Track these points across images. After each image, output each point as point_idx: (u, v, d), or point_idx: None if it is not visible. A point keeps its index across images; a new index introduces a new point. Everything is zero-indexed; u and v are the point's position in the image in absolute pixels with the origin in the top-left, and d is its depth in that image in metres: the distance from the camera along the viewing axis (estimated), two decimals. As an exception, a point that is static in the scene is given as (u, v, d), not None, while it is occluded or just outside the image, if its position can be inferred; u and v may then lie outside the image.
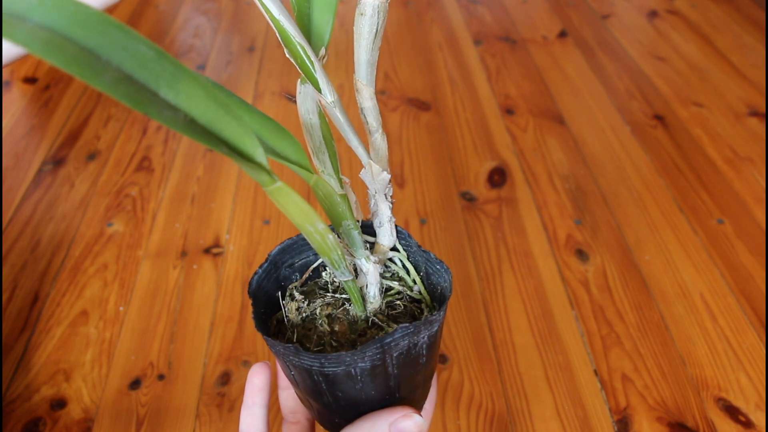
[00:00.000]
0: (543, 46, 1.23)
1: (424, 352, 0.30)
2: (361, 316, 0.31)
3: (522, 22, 1.30)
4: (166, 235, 0.81)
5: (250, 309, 0.32)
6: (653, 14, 1.34)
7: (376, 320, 0.31)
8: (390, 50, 1.20)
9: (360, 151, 0.29)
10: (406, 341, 0.28)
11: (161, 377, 0.65)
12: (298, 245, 0.33)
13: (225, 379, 0.65)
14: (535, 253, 0.79)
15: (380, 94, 1.08)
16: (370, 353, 0.27)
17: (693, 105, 1.07)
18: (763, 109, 1.05)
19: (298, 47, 0.24)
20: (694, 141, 0.99)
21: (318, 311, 0.31)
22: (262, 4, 0.23)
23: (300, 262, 0.33)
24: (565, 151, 0.96)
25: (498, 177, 0.91)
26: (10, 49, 0.39)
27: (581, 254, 0.79)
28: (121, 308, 0.72)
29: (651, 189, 0.89)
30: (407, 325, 0.27)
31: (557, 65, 1.17)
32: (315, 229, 0.26)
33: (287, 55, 0.25)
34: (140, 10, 1.33)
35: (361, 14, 0.25)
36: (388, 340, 0.27)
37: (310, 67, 0.25)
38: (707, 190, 0.89)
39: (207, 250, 0.79)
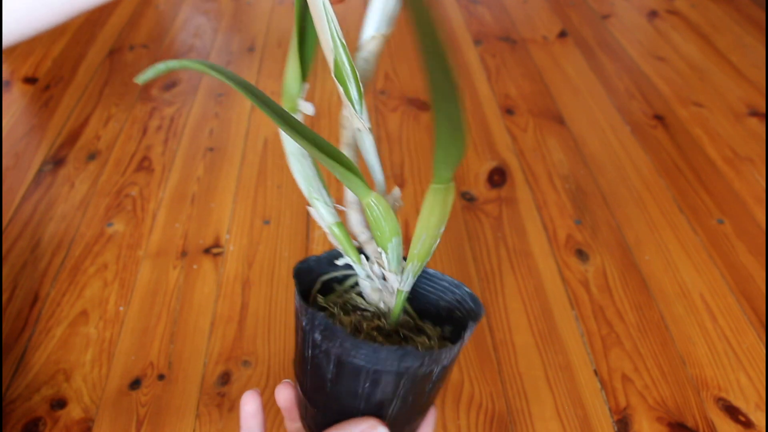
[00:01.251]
0: (543, 46, 1.23)
1: (453, 361, 0.30)
2: (393, 329, 0.32)
3: (522, 22, 1.30)
4: (166, 235, 0.81)
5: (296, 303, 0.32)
6: (653, 14, 1.34)
7: (408, 333, 0.32)
8: (390, 50, 1.20)
9: (379, 177, 0.30)
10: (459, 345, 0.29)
11: (161, 377, 0.65)
12: (310, 268, 0.34)
13: (225, 379, 0.65)
14: (535, 253, 0.79)
15: (380, 94, 1.08)
16: (455, 352, 0.29)
17: (693, 105, 1.07)
18: (763, 109, 1.05)
19: (350, 71, 0.26)
20: (694, 141, 0.99)
21: (365, 325, 0.32)
22: (333, 32, 0.24)
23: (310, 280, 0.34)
24: (565, 151, 0.96)
25: (498, 177, 0.91)
26: (9, 34, 0.39)
27: (581, 254, 0.79)
28: (121, 308, 0.72)
29: (651, 189, 0.89)
30: (472, 323, 0.29)
31: (557, 65, 1.17)
32: (438, 233, 0.28)
33: (333, 74, 0.26)
34: (140, 10, 1.33)
35: None
36: (466, 337, 0.29)
37: (354, 93, 0.26)
38: (707, 190, 0.89)
39: (207, 250, 0.79)
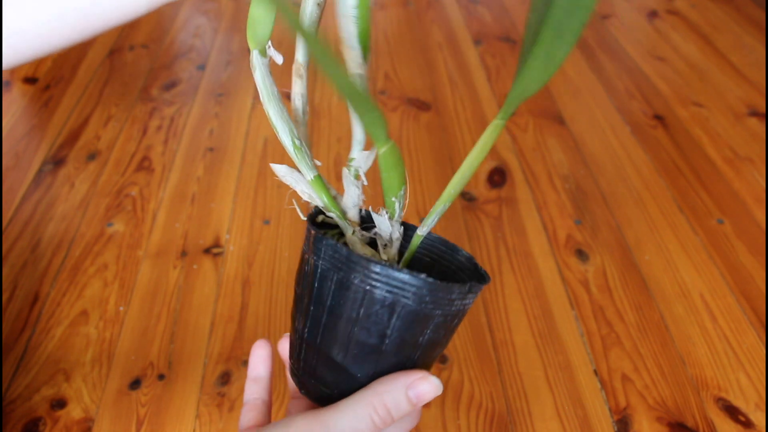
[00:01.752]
0: (543, 46, 1.23)
1: None
2: None
3: (522, 22, 1.30)
4: (166, 235, 0.81)
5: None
6: (653, 14, 1.34)
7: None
8: (390, 50, 1.20)
9: (358, 129, 0.29)
10: None
11: (161, 377, 0.65)
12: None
13: (225, 379, 0.65)
14: (535, 253, 0.79)
15: (380, 94, 1.08)
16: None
17: (693, 105, 1.07)
18: (763, 109, 1.05)
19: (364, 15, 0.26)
20: (694, 141, 0.99)
21: None
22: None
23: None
24: (565, 151, 0.96)
25: (498, 177, 0.91)
26: (10, 55, 0.39)
27: (581, 254, 0.79)
28: (121, 308, 0.72)
29: (651, 189, 0.89)
30: (474, 261, 0.30)
31: (557, 65, 1.17)
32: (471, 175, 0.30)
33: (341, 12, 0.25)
34: (140, 10, 1.33)
35: None
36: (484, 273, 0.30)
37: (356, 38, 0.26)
38: (707, 190, 0.89)
39: (207, 250, 0.79)
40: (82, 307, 0.72)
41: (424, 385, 0.28)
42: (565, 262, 0.78)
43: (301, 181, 0.31)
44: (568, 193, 0.88)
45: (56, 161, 0.93)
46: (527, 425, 0.62)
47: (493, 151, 0.96)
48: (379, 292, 0.27)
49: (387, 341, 0.28)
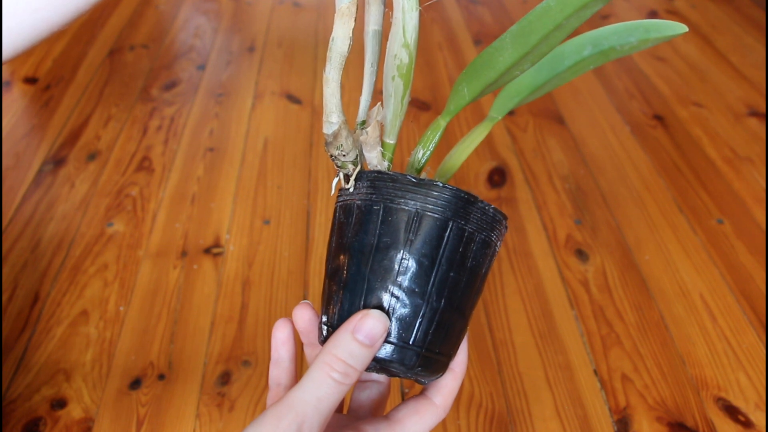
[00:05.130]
0: (543, 46, 1.23)
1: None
2: None
3: (522, 22, 1.30)
4: (166, 235, 0.81)
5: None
6: (653, 14, 1.34)
7: None
8: (390, 50, 1.20)
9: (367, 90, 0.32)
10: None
11: (161, 377, 0.65)
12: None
13: (225, 379, 0.65)
14: (535, 253, 0.79)
15: (380, 94, 1.08)
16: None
17: (693, 105, 1.07)
18: (763, 109, 1.05)
19: None
20: (693, 141, 0.99)
21: None
22: None
23: None
24: (565, 151, 0.96)
25: (498, 177, 0.91)
26: (9, 45, 0.38)
27: (581, 254, 0.79)
28: (121, 308, 0.72)
29: (651, 189, 0.89)
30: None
31: (557, 65, 1.17)
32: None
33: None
34: (140, 10, 1.33)
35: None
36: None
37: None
38: (707, 190, 0.89)
39: (207, 250, 0.79)
40: (82, 307, 0.72)
41: (367, 322, 0.28)
42: (565, 262, 0.78)
43: (375, 145, 0.32)
44: (568, 193, 0.89)
45: (56, 161, 0.93)
46: (527, 425, 0.62)
47: (493, 151, 0.96)
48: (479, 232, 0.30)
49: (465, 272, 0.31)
